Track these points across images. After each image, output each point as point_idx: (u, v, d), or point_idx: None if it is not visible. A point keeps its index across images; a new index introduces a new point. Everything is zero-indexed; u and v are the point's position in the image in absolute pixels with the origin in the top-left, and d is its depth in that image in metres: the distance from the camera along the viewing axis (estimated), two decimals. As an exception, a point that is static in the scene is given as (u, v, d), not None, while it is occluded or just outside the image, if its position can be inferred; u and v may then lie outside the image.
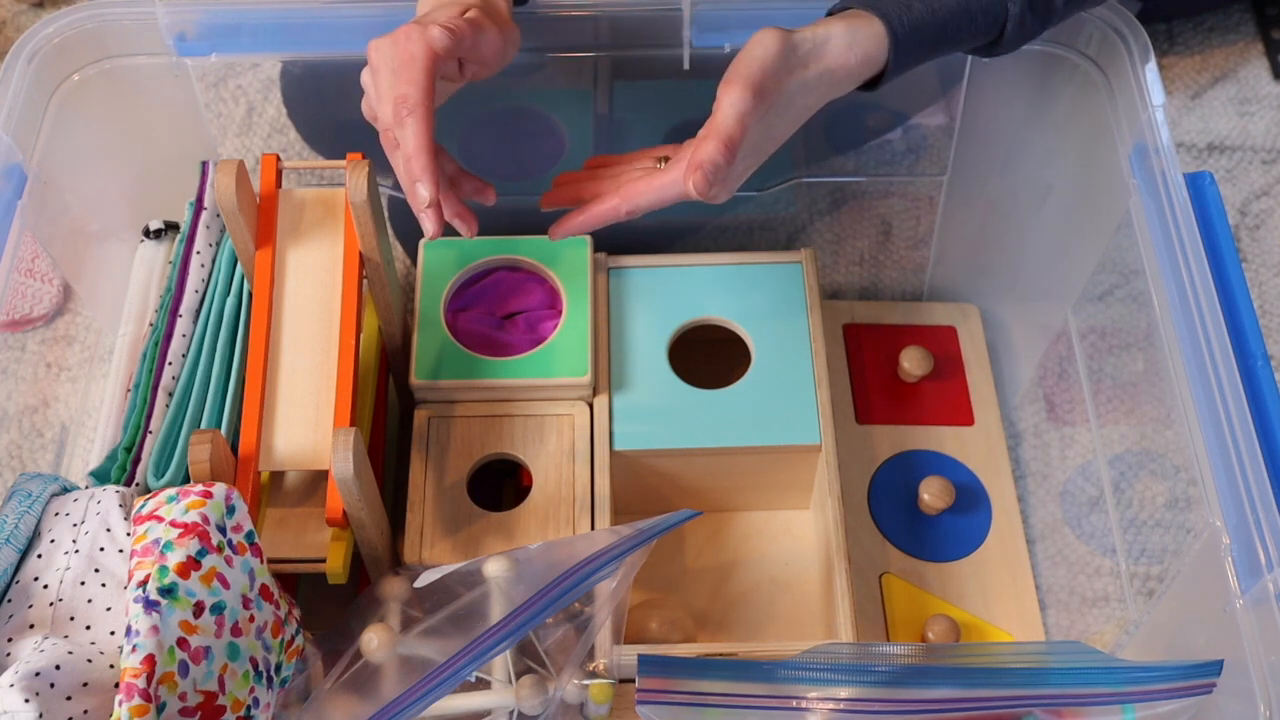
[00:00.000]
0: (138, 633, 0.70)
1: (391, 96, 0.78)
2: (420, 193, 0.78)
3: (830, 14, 0.86)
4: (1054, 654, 0.78)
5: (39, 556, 0.79)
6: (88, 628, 0.76)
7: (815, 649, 0.76)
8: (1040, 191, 1.08)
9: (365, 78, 0.82)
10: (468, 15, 0.82)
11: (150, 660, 0.69)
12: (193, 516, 0.75)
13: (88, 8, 0.96)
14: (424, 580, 0.87)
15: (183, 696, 0.70)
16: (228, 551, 0.76)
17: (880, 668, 0.74)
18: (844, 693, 0.73)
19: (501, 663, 0.85)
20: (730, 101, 0.80)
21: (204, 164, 1.01)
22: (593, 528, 0.95)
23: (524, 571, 0.85)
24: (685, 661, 0.74)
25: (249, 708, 0.74)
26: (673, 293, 1.05)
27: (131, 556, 0.74)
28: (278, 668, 0.80)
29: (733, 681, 0.74)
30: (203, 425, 0.92)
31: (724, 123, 0.80)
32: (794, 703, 0.74)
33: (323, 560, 0.89)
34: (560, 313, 1.01)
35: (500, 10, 0.86)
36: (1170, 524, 0.93)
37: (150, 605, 0.70)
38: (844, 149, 1.12)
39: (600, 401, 1.00)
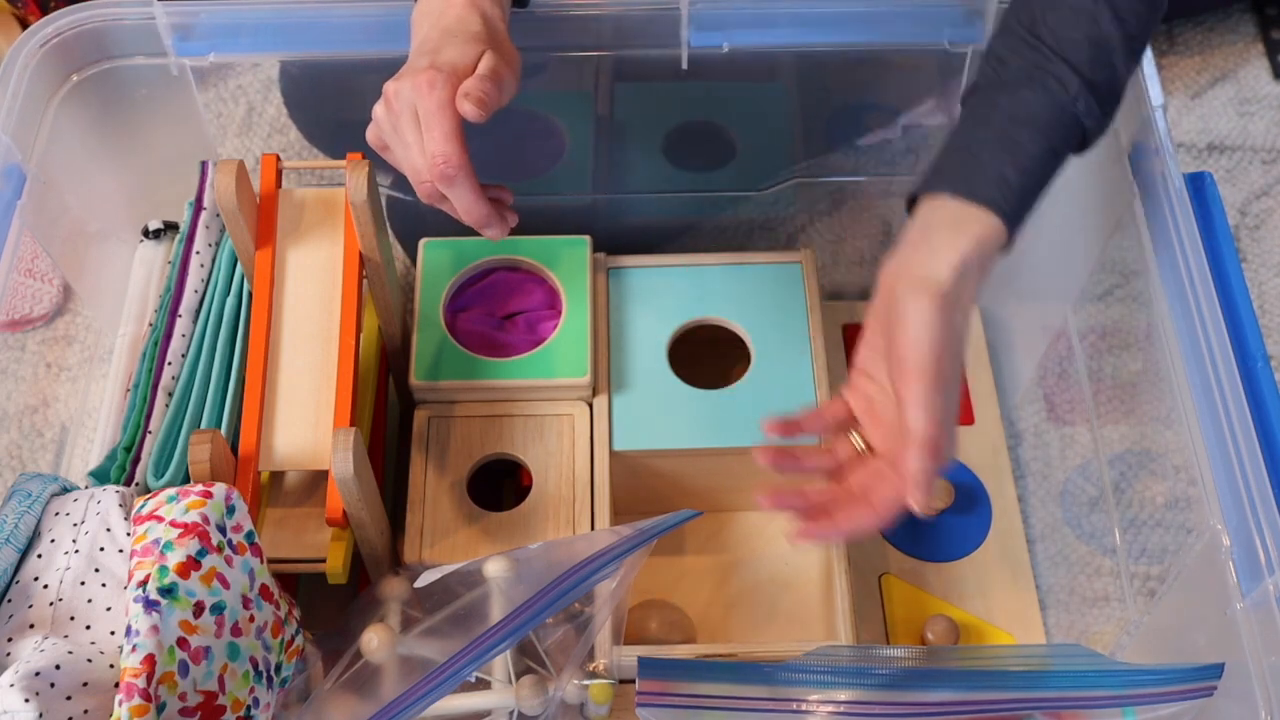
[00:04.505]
0: (138, 632, 0.70)
1: (428, 151, 0.78)
2: (490, 235, 0.83)
3: (915, 200, 0.79)
4: (1054, 657, 0.78)
5: (39, 556, 0.79)
6: (88, 627, 0.76)
7: (815, 651, 0.76)
8: (1040, 191, 1.08)
9: (378, 111, 0.80)
10: (487, 66, 0.79)
11: (150, 660, 0.69)
12: (193, 516, 0.75)
13: (87, 8, 0.96)
14: (424, 580, 0.87)
15: (183, 696, 0.70)
16: (228, 551, 0.76)
17: (880, 670, 0.74)
18: (844, 695, 0.73)
19: (501, 663, 0.85)
20: (915, 402, 0.73)
21: (203, 164, 1.01)
22: (593, 528, 0.95)
23: (524, 571, 0.85)
24: (685, 664, 0.74)
25: (249, 708, 0.74)
26: (673, 293, 1.05)
27: (131, 556, 0.74)
28: (278, 668, 0.80)
29: (732, 684, 0.74)
30: (203, 425, 0.92)
31: (917, 428, 0.73)
32: (794, 705, 0.74)
33: (323, 560, 0.89)
34: (560, 313, 1.01)
35: (503, 38, 0.83)
36: (1170, 524, 0.93)
37: (150, 605, 0.70)
38: (843, 148, 1.12)
39: (600, 402, 1.00)
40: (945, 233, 0.76)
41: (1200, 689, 0.74)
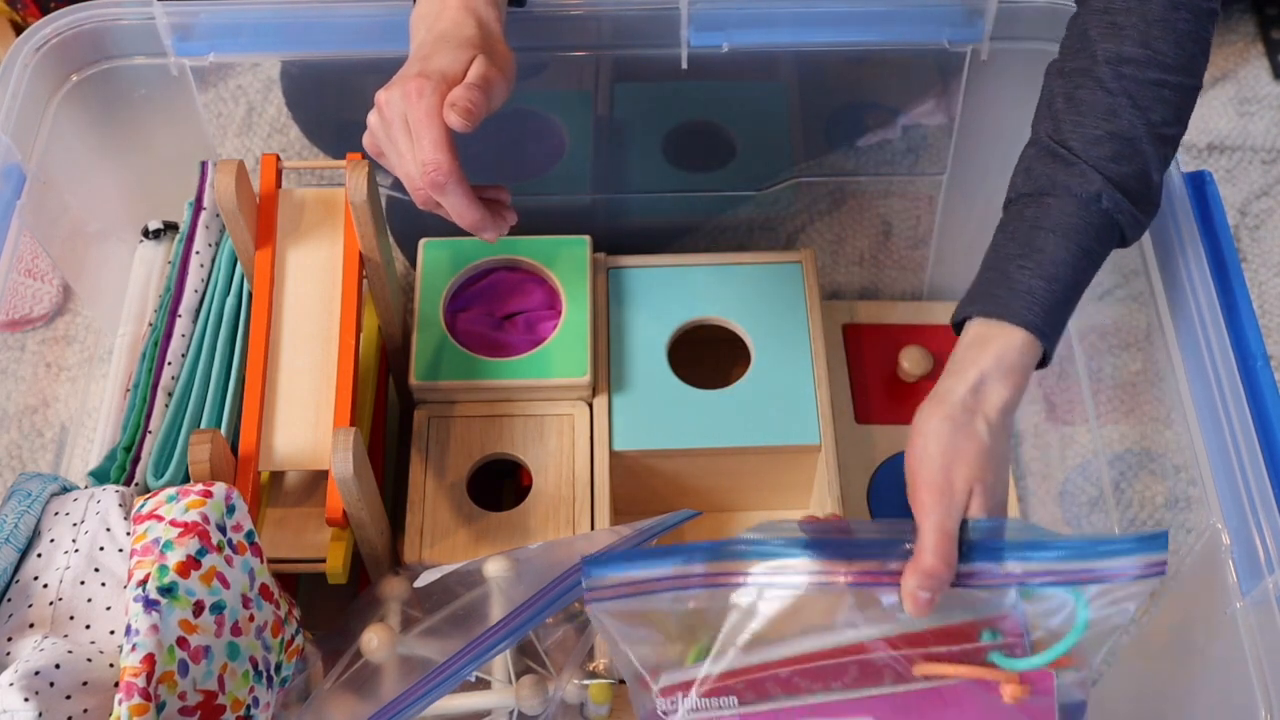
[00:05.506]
0: (137, 632, 0.70)
1: (418, 159, 0.77)
2: (486, 238, 0.82)
3: (957, 323, 0.79)
4: (1005, 529, 0.76)
5: (39, 556, 0.79)
6: (87, 627, 0.76)
7: (760, 525, 0.75)
8: (1040, 191, 1.08)
9: (372, 119, 0.80)
10: (476, 73, 0.78)
11: (150, 659, 0.69)
12: (193, 516, 0.75)
13: (87, 8, 0.96)
14: (424, 580, 0.87)
15: (182, 696, 0.70)
16: (228, 551, 0.76)
17: (824, 541, 0.74)
18: (786, 564, 0.73)
19: (501, 663, 0.85)
20: (922, 518, 0.73)
21: (203, 164, 1.01)
22: (593, 528, 0.95)
23: (524, 571, 0.85)
24: (626, 554, 0.74)
25: (249, 707, 0.74)
26: (673, 293, 1.05)
27: (131, 556, 0.74)
28: (278, 667, 0.80)
29: (674, 565, 0.73)
30: (202, 425, 0.92)
31: (922, 548, 0.72)
32: (739, 579, 0.73)
33: (323, 560, 0.89)
34: (559, 313, 1.01)
35: (497, 41, 0.83)
36: (1170, 524, 0.93)
37: (150, 604, 0.70)
38: (843, 148, 1.12)
39: (600, 402, 1.00)
40: (967, 353, 0.76)
41: (1151, 564, 0.71)
